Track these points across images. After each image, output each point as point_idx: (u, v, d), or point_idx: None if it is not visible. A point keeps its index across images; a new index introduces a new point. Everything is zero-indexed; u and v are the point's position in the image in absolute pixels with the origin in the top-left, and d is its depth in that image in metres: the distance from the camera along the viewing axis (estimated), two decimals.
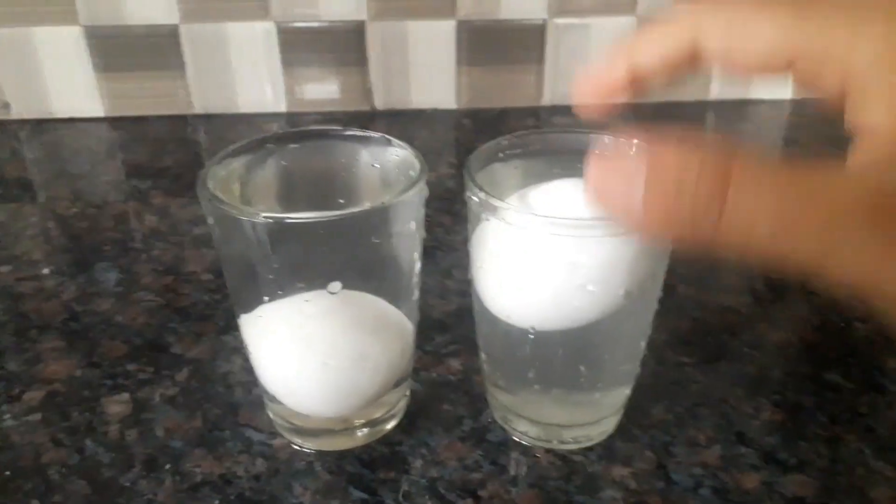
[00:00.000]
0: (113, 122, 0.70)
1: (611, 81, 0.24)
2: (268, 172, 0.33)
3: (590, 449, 0.34)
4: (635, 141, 0.31)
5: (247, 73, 0.70)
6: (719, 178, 0.17)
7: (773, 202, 0.17)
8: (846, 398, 0.37)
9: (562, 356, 0.30)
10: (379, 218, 0.28)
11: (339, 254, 0.28)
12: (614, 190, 0.18)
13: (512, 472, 0.33)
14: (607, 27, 0.70)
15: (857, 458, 0.33)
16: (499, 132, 0.33)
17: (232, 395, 0.37)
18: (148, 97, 0.70)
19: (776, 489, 0.32)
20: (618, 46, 0.23)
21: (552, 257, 0.28)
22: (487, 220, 0.29)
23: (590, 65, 0.24)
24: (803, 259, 0.17)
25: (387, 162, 0.33)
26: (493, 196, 0.28)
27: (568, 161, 0.33)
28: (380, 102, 0.72)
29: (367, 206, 0.28)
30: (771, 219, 0.17)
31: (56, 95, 0.69)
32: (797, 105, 0.75)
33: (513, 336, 0.31)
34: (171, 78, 0.69)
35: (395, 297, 0.32)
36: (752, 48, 0.19)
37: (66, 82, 0.69)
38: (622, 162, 0.18)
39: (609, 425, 0.34)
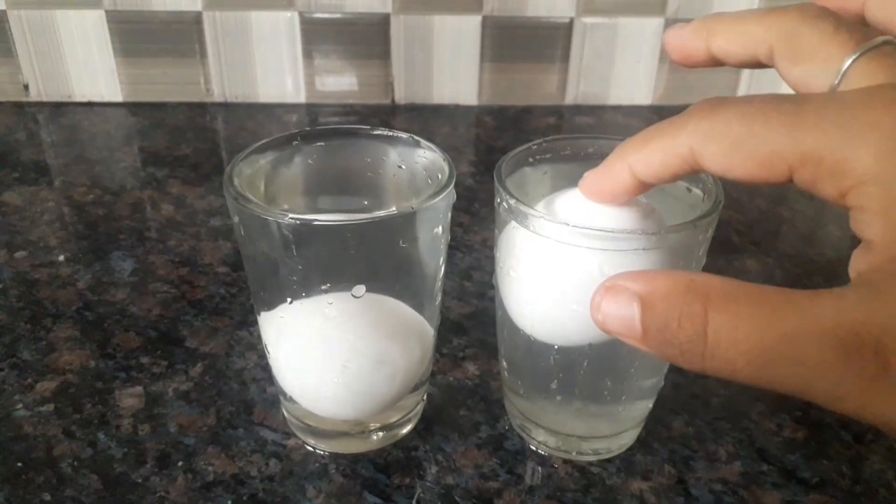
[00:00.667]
0: (132, 107, 0.70)
1: (615, 186, 0.25)
2: (294, 170, 0.32)
3: (609, 461, 0.33)
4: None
5: (268, 63, 0.69)
6: (697, 325, 0.18)
7: (750, 344, 0.18)
8: None
9: (586, 368, 0.30)
10: (406, 222, 0.28)
11: (364, 257, 0.28)
12: (615, 320, 0.20)
13: (529, 482, 0.32)
14: (634, 27, 0.69)
15: (879, 478, 0.33)
16: (520, 130, 0.32)
17: (246, 393, 0.37)
18: (168, 83, 0.70)
19: None
20: (619, 152, 0.24)
21: (579, 268, 0.27)
22: (515, 227, 0.28)
23: (594, 170, 0.26)
24: (789, 390, 0.18)
25: (414, 164, 0.32)
26: (523, 203, 0.27)
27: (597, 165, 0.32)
28: (400, 96, 0.71)
29: (394, 210, 0.27)
30: (748, 358, 0.18)
31: (76, 79, 0.69)
32: None
33: (536, 346, 0.30)
34: (192, 65, 0.69)
35: (417, 302, 0.31)
36: (751, 164, 0.20)
37: (86, 66, 0.69)
38: (621, 293, 0.19)
39: (629, 438, 0.34)
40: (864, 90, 0.19)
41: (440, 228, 0.30)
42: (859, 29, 0.23)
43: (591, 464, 0.33)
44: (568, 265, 0.27)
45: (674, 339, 0.18)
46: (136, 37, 0.67)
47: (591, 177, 0.26)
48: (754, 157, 0.19)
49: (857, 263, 0.19)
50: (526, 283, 0.29)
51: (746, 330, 0.18)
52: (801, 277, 0.47)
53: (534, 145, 0.32)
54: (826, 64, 0.22)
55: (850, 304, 0.18)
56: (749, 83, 0.72)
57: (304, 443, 0.34)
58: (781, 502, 0.32)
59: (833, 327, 0.17)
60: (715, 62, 0.26)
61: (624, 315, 0.19)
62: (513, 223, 0.28)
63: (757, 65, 0.25)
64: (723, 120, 0.20)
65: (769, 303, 0.18)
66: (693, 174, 0.22)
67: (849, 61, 0.22)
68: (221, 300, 0.43)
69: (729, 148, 0.20)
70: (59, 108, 0.69)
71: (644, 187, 0.24)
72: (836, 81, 0.22)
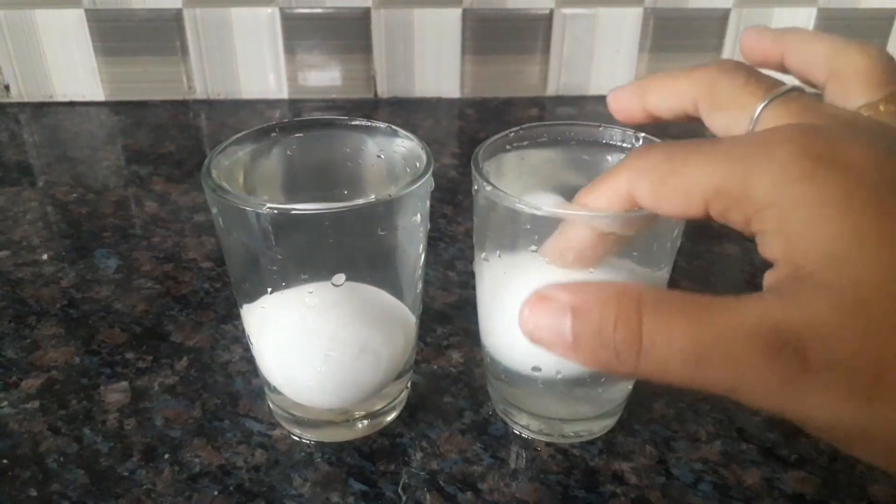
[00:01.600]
0: (114, 106, 0.70)
1: (579, 242, 0.27)
2: (272, 162, 0.32)
3: (591, 443, 0.34)
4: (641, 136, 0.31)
5: (250, 59, 0.69)
6: (633, 327, 0.19)
7: (682, 343, 0.19)
8: None
9: None
10: (384, 210, 0.28)
11: (343, 246, 0.28)
12: (545, 328, 0.20)
13: (512, 465, 0.33)
14: (614, 17, 0.69)
15: None
16: (503, 122, 0.33)
17: (232, 385, 0.37)
18: (149, 82, 0.70)
19: (777, 485, 0.32)
20: (574, 203, 0.26)
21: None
22: (494, 213, 0.29)
23: (552, 237, 0.27)
24: (718, 390, 0.19)
25: (392, 153, 0.32)
26: (500, 190, 0.28)
27: (574, 153, 0.33)
28: (383, 90, 0.71)
29: (372, 198, 0.27)
30: (682, 357, 0.19)
31: (57, 78, 0.69)
32: None
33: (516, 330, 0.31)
34: (174, 63, 0.69)
35: (398, 290, 0.31)
36: (674, 199, 0.21)
37: (67, 65, 0.68)
38: (552, 303, 0.20)
39: (611, 420, 0.34)
40: (767, 129, 0.21)
41: (419, 216, 0.30)
42: (769, 79, 0.26)
43: (573, 446, 0.33)
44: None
45: (609, 342, 0.19)
46: (116, 35, 0.67)
47: (550, 242, 0.27)
48: (676, 191, 0.21)
49: (768, 282, 0.20)
50: (504, 269, 0.30)
51: (680, 329, 0.19)
52: None
53: (511, 132, 0.32)
54: (742, 111, 0.25)
55: (769, 305, 0.19)
56: None
57: (290, 433, 0.34)
58: (761, 480, 0.32)
59: (757, 325, 0.18)
60: (653, 118, 0.29)
61: (553, 324, 0.20)
62: (490, 208, 0.29)
63: (687, 118, 0.27)
64: (652, 159, 0.22)
65: (698, 304, 0.19)
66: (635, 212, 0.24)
67: (759, 107, 0.25)
68: (206, 295, 0.44)
69: (656, 183, 0.22)
70: (41, 109, 0.69)
71: (601, 238, 0.26)
72: (751, 126, 0.25)
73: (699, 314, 0.19)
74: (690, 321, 0.19)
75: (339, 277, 0.29)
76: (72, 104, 0.70)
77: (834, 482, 0.32)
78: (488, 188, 0.28)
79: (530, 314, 0.21)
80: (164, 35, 0.67)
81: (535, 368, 0.31)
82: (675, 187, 0.21)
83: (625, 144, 0.32)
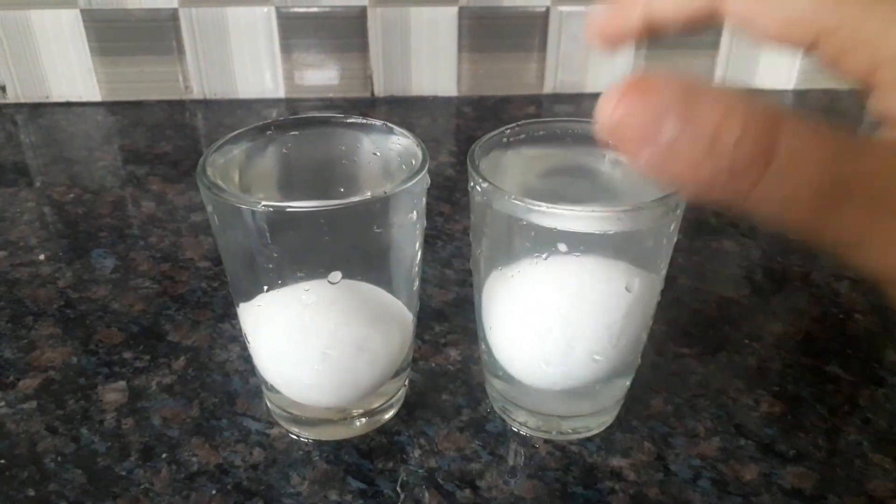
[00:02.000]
0: (110, 106, 0.70)
1: (623, 27, 0.22)
2: (268, 160, 0.32)
3: (589, 440, 0.34)
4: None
5: (246, 59, 0.69)
6: (767, 137, 0.15)
7: (821, 172, 0.15)
8: (845, 390, 0.37)
9: None
10: (380, 207, 0.28)
11: (339, 243, 0.28)
12: (637, 124, 0.16)
13: (511, 462, 0.33)
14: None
15: (855, 450, 0.33)
16: (500, 120, 0.33)
17: (229, 384, 0.37)
18: (146, 82, 0.69)
19: (775, 481, 0.32)
20: None
21: (550, 247, 0.27)
22: (490, 210, 0.29)
23: (604, 7, 0.23)
24: (841, 238, 0.16)
25: (388, 150, 0.32)
26: (497, 186, 0.28)
27: (571, 150, 0.33)
28: (380, 89, 0.71)
29: (368, 195, 0.27)
30: (815, 190, 0.15)
31: (53, 79, 0.69)
32: (800, 95, 0.74)
33: (516, 327, 0.31)
34: (170, 63, 0.69)
35: (395, 287, 0.31)
36: (778, 17, 0.18)
37: (63, 66, 0.68)
38: (653, 93, 0.16)
39: (609, 416, 0.34)
40: None
41: (415, 213, 0.30)
42: None
43: (571, 443, 0.33)
44: (537, 243, 0.27)
45: (724, 152, 0.15)
46: (112, 35, 0.67)
47: (598, 14, 0.23)
48: (782, 13, 0.18)
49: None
50: (501, 263, 0.30)
51: (820, 155, 0.16)
52: (778, 256, 0.48)
53: (507, 129, 0.32)
54: None
55: None
56: (726, 69, 0.73)
57: (288, 431, 0.34)
58: (759, 475, 0.32)
59: None
60: (652, 29, 0.23)
61: (648, 120, 0.16)
62: (487, 205, 0.29)
63: (704, 21, 0.21)
64: None
65: (843, 135, 0.16)
66: (708, 22, 0.20)
67: None
68: (203, 294, 0.43)
69: None
70: (38, 109, 0.69)
71: (652, 32, 0.22)
72: None
73: (847, 142, 0.16)
74: (835, 148, 0.16)
75: (336, 275, 0.29)
76: (68, 104, 0.70)
77: (832, 477, 0.32)
78: (484, 185, 0.28)
79: (620, 103, 0.16)
80: (161, 35, 0.67)
81: (537, 364, 0.30)
82: (782, 8, 0.18)
83: None
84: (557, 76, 0.72)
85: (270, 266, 0.28)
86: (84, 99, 0.70)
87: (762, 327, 0.41)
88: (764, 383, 0.37)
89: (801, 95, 0.74)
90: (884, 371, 0.38)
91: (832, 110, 0.72)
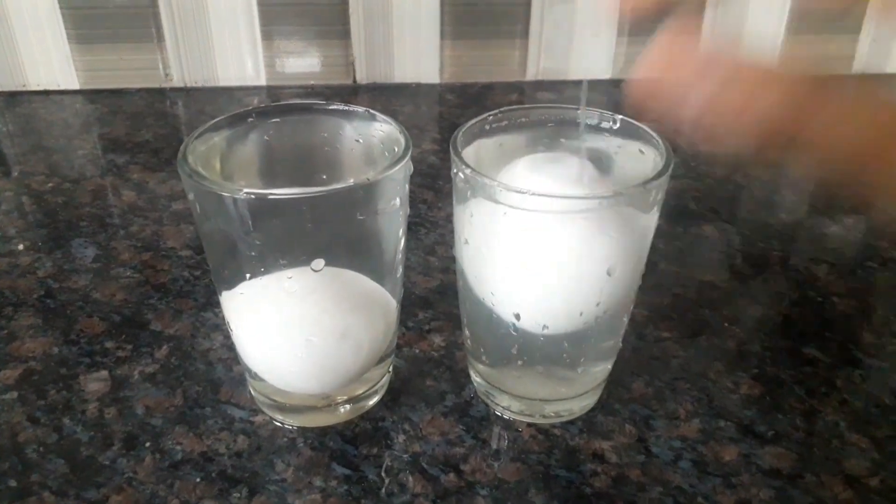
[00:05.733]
0: (89, 94, 0.69)
1: None
2: (249, 147, 0.32)
3: (571, 423, 0.34)
4: None
5: (227, 46, 0.69)
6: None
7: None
8: (823, 372, 0.37)
9: (545, 332, 0.31)
10: (363, 194, 0.28)
11: (322, 230, 0.28)
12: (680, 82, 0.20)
13: (494, 446, 0.33)
14: (593, 2, 0.69)
15: (832, 430, 0.34)
16: (483, 107, 0.33)
17: (213, 373, 0.37)
18: (125, 70, 0.69)
19: (754, 461, 0.32)
20: None
21: (536, 234, 0.28)
22: (473, 196, 0.29)
23: None
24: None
25: (371, 137, 0.32)
26: (479, 173, 0.28)
27: (553, 136, 0.33)
28: (362, 76, 0.71)
29: (351, 182, 0.27)
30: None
31: (30, 67, 0.68)
32: None
33: (497, 314, 0.31)
34: (150, 50, 0.68)
35: (379, 275, 0.31)
36: None
37: (40, 53, 0.67)
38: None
39: (590, 400, 0.35)
40: None
41: (398, 200, 0.30)
42: None
43: (554, 426, 0.34)
44: (522, 230, 0.28)
45: None
46: (90, 23, 0.66)
47: None
48: None
49: None
50: (485, 250, 0.30)
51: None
52: (757, 241, 0.49)
53: (489, 115, 0.32)
54: None
55: None
56: None
57: (272, 419, 0.34)
58: (738, 456, 0.33)
59: None
60: None
61: None
62: (470, 193, 0.29)
63: None
64: None
65: None
66: None
67: None
68: (185, 283, 0.43)
69: None
70: (15, 98, 0.68)
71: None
72: None
73: None
74: None
75: (319, 262, 0.29)
76: (46, 93, 0.69)
77: (810, 457, 0.33)
78: (467, 171, 0.28)
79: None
80: (140, 22, 0.67)
81: (517, 316, 0.30)
82: None
83: (603, 126, 0.33)
84: (540, 63, 0.72)
85: (253, 254, 0.28)
86: (62, 87, 0.69)
87: (742, 311, 0.42)
88: (743, 366, 0.38)
89: None
90: (860, 353, 0.39)
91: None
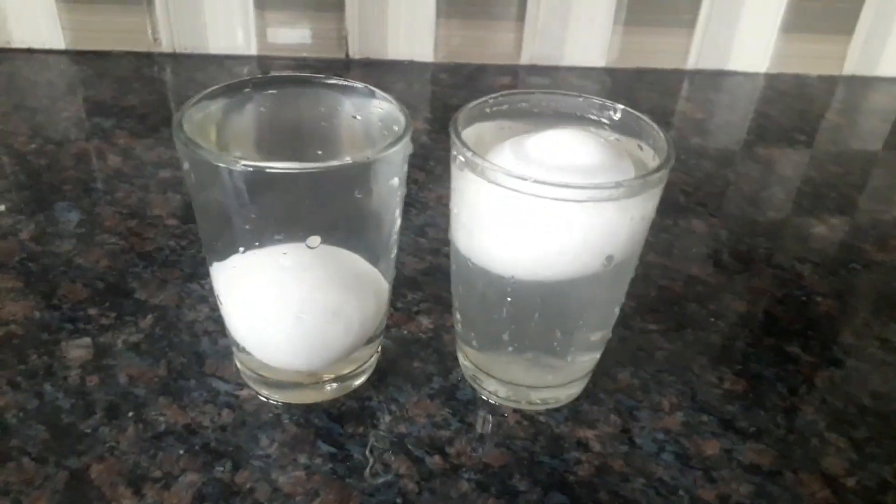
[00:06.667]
0: (74, 55, 0.67)
1: None
2: (245, 118, 0.31)
3: (557, 411, 0.34)
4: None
5: (218, 13, 0.67)
6: None
7: None
8: (804, 371, 0.38)
9: (538, 319, 0.31)
10: (362, 172, 0.27)
11: (319, 207, 0.28)
12: None
13: (479, 430, 0.33)
14: None
15: (812, 428, 0.35)
16: (476, 89, 0.33)
17: (198, 344, 0.36)
18: (112, 31, 0.67)
19: (735, 456, 0.33)
20: None
21: (535, 218, 0.28)
22: (472, 179, 0.28)
23: None
24: None
25: (369, 114, 0.32)
26: (479, 155, 0.28)
27: (552, 121, 0.33)
28: (354, 51, 0.70)
29: (349, 160, 0.27)
30: None
31: (14, 23, 0.66)
32: (772, 79, 0.75)
33: (490, 297, 0.31)
34: (138, 13, 0.67)
35: (373, 255, 0.31)
36: None
37: (26, 10, 0.66)
38: None
39: (577, 388, 0.35)
40: None
41: (396, 180, 0.29)
42: None
43: (539, 413, 0.34)
44: (524, 213, 0.28)
45: None
46: None
47: None
48: None
49: None
50: (483, 232, 0.30)
51: None
52: (744, 237, 0.49)
53: (490, 98, 0.32)
54: None
55: None
56: (700, 50, 0.73)
57: (258, 393, 0.34)
58: (720, 451, 0.33)
59: None
60: None
61: None
62: (469, 174, 0.29)
63: None
64: None
65: None
66: None
67: None
68: (171, 252, 0.43)
69: None
70: None
71: None
72: None
73: None
74: None
75: (315, 240, 0.28)
76: (30, 51, 0.67)
77: (789, 455, 0.33)
78: (467, 153, 0.28)
79: None
80: None
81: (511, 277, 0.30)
82: None
83: (602, 117, 0.33)
84: (534, 47, 0.72)
85: (247, 227, 0.28)
86: (47, 46, 0.67)
87: (727, 306, 0.42)
88: (727, 361, 0.38)
89: (772, 79, 0.75)
90: (841, 353, 0.39)
91: (801, 96, 0.73)
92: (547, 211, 0.27)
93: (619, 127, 0.32)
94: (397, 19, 0.69)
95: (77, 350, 0.36)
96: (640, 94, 0.70)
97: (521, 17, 0.70)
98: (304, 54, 0.70)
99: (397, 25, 0.69)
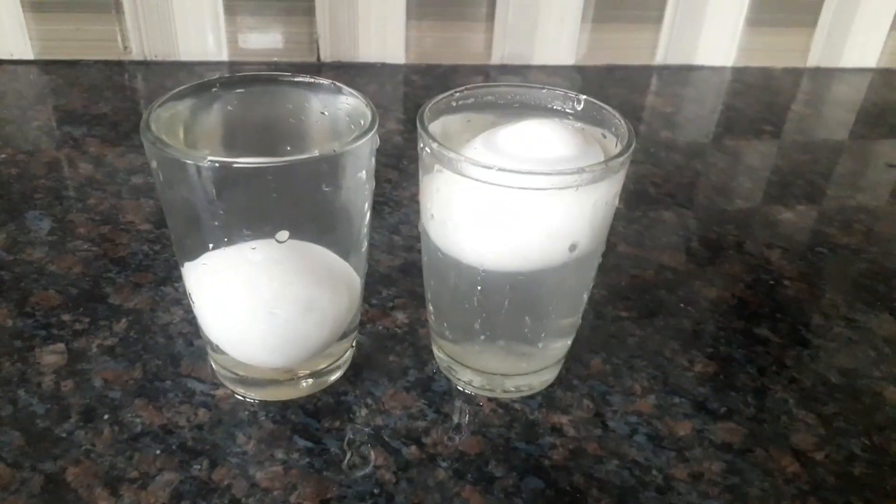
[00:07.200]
0: (44, 65, 0.67)
1: None
2: (213, 117, 0.32)
3: (531, 398, 0.35)
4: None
5: (188, 20, 0.67)
6: None
7: None
8: (774, 352, 0.39)
9: (508, 307, 0.31)
10: (329, 166, 0.28)
11: (287, 201, 0.28)
12: None
13: (455, 420, 0.33)
14: None
15: (781, 407, 0.35)
16: (448, 89, 0.33)
17: (173, 346, 0.36)
18: (82, 40, 0.67)
19: (706, 436, 0.33)
20: None
21: (501, 207, 0.28)
22: (440, 170, 0.29)
23: None
24: None
25: (337, 110, 0.32)
26: (446, 147, 0.28)
27: (518, 114, 0.33)
28: (326, 54, 0.70)
29: (316, 153, 0.27)
30: None
31: None
32: (738, 72, 0.76)
33: (461, 288, 0.31)
34: (108, 21, 0.66)
35: (343, 249, 0.31)
36: None
37: None
38: None
39: (550, 375, 0.35)
40: None
41: (364, 174, 0.30)
42: None
43: (514, 400, 0.34)
44: (489, 203, 0.28)
45: None
46: None
47: None
48: None
49: None
50: (452, 224, 0.30)
51: None
52: (714, 226, 0.50)
53: (456, 92, 0.32)
54: None
55: None
56: (667, 45, 0.74)
57: (234, 392, 0.34)
58: (692, 431, 0.34)
59: None
60: None
61: None
62: (437, 167, 0.29)
63: None
64: None
65: None
66: None
67: None
68: (145, 257, 0.43)
69: None
70: None
71: None
72: None
73: None
74: None
75: (283, 234, 0.28)
76: None
77: (760, 432, 0.34)
78: (434, 146, 0.28)
79: None
80: None
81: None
82: None
83: (566, 108, 0.33)
84: (505, 47, 0.72)
85: (216, 223, 0.28)
86: (15, 57, 0.67)
87: (697, 292, 0.43)
88: (698, 345, 0.39)
89: (739, 73, 0.76)
90: (809, 334, 0.40)
91: (768, 88, 0.74)
92: (512, 199, 0.27)
93: (583, 117, 0.33)
94: (368, 22, 0.69)
95: (51, 356, 0.35)
96: (610, 91, 0.70)
97: (490, 17, 0.70)
98: (276, 59, 0.70)
99: (368, 28, 0.70)
